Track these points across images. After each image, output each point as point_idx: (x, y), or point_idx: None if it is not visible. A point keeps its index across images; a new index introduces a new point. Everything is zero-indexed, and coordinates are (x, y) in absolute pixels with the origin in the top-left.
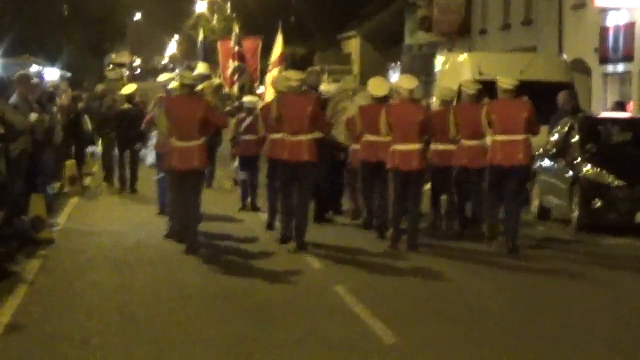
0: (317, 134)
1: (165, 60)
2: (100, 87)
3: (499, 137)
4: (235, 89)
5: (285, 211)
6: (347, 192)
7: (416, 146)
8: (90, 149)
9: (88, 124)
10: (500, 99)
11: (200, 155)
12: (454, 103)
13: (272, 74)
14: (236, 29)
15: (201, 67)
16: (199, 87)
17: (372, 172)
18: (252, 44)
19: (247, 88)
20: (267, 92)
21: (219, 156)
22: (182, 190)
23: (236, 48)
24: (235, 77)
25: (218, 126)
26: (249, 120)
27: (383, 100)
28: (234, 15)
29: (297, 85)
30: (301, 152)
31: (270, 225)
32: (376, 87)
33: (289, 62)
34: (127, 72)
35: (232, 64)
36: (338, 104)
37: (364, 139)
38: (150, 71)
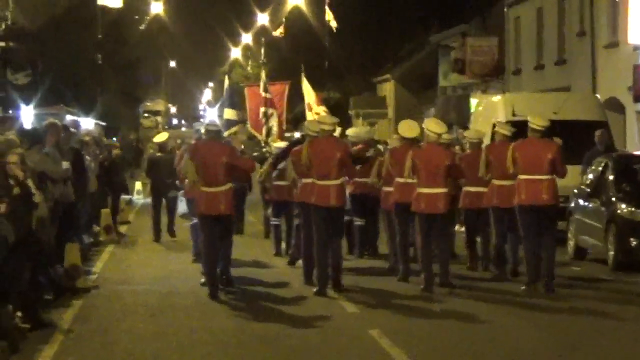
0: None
1: (201, 107)
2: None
3: (522, 177)
4: (263, 133)
5: (321, 258)
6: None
7: (441, 190)
8: (125, 197)
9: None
10: (528, 139)
11: (227, 201)
12: (484, 144)
13: (312, 116)
14: (263, 75)
15: (228, 114)
16: (227, 132)
17: (407, 214)
18: (279, 89)
19: (277, 133)
20: None
21: (250, 202)
22: (212, 235)
23: (263, 94)
24: (263, 121)
25: (246, 171)
26: (282, 165)
27: (413, 142)
28: (266, 61)
29: (330, 130)
30: (329, 197)
31: (307, 279)
32: (406, 128)
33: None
34: (161, 120)
35: (261, 110)
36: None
37: (396, 181)
38: (188, 119)
